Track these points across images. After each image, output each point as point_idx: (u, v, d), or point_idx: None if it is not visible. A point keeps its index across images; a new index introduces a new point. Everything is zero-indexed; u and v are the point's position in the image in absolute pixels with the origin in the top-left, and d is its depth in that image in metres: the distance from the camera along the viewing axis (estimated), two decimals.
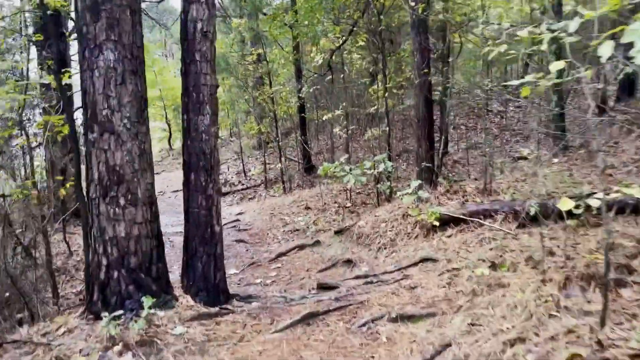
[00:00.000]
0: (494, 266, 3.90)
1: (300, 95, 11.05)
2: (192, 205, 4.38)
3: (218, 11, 16.69)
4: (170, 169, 18.53)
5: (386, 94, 7.60)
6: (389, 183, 7.32)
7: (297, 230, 8.36)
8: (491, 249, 4.28)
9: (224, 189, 13.51)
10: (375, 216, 6.37)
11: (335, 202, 9.30)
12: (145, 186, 4.01)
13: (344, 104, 9.51)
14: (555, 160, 6.67)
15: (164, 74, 21.76)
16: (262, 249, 7.78)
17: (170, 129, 22.25)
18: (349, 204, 9.02)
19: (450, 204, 5.56)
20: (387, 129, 7.86)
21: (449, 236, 4.93)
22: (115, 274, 3.83)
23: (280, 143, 11.70)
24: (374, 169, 7.36)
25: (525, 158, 9.89)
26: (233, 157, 16.14)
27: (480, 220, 4.84)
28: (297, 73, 12.55)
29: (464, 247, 4.55)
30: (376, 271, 4.93)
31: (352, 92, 11.45)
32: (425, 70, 6.86)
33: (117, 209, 3.81)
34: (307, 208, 9.24)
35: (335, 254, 6.19)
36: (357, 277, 4.74)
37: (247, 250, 7.78)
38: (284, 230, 8.50)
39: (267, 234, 8.52)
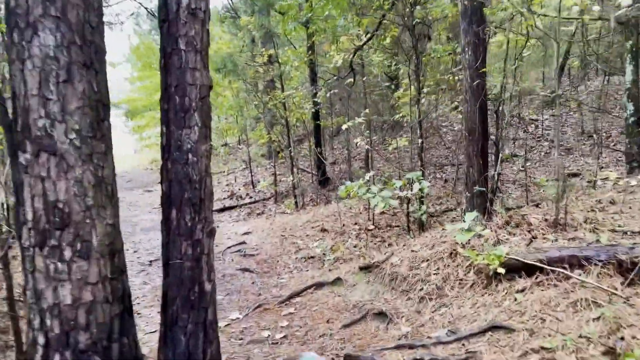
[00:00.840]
0: (612, 353, 2.65)
1: (315, 100, 9.84)
2: (172, 254, 3.17)
3: (227, 11, 15.59)
4: None
5: (422, 99, 6.37)
6: (424, 207, 6.07)
7: (312, 257, 7.14)
8: (596, 319, 3.01)
9: (229, 202, 12.33)
10: (412, 251, 5.12)
11: (356, 224, 8.06)
12: (104, 230, 2.82)
13: (366, 110, 8.28)
14: (634, 182, 5.38)
15: None
16: (272, 281, 6.57)
17: None
18: (371, 227, 7.78)
19: (514, 242, 4.31)
20: (420, 141, 6.62)
21: (522, 291, 3.67)
22: (57, 358, 2.63)
23: (292, 153, 10.48)
24: (407, 189, 6.11)
25: (576, 175, 8.60)
26: (241, 166, 14.95)
27: (566, 271, 3.58)
28: (311, 76, 11.35)
29: (549, 312, 3.28)
30: (423, 336, 3.68)
31: (371, 97, 10.21)
32: (483, 69, 5.60)
33: (60, 264, 2.62)
34: (323, 230, 8.01)
35: (362, 299, 4.94)
36: (399, 347, 3.48)
37: (253, 282, 6.56)
38: (296, 258, 7.27)
39: (278, 261, 7.30)
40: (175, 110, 3.02)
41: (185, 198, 3.08)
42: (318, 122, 11.72)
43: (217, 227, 10.77)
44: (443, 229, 5.36)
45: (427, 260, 4.74)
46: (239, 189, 13.09)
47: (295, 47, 11.03)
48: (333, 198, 10.49)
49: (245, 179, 13.83)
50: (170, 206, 3.12)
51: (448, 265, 4.49)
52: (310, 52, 10.13)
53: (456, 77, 7.89)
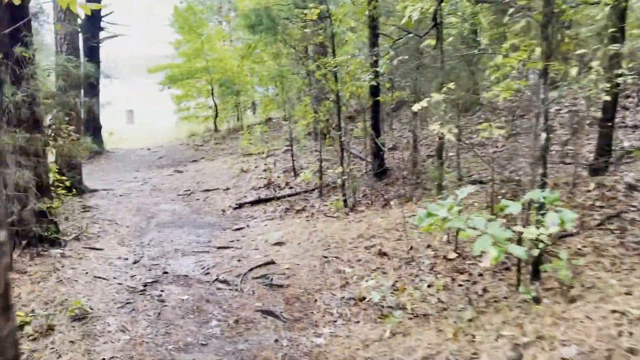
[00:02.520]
0: None
1: (377, 70, 7.41)
2: None
3: None
4: (212, 155, 15.46)
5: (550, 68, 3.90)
6: (563, 257, 3.65)
7: (366, 300, 4.88)
8: None
9: (265, 193, 10.20)
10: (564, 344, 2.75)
11: (429, 246, 5.72)
12: None
13: (450, 85, 5.83)
14: None
15: (212, 41, 18.59)
16: (304, 340, 4.38)
17: (216, 107, 19.18)
18: (453, 255, 5.42)
19: None
20: (545, 135, 4.16)
21: None
22: None
23: (343, 138, 8.16)
24: (526, 217, 3.71)
25: None
26: (283, 148, 12.74)
27: None
28: (371, 39, 8.89)
29: None
30: None
31: (451, 66, 7.64)
32: None
33: None
34: (382, 254, 5.72)
35: None
36: None
37: (276, 340, 4.39)
38: (342, 297, 5.04)
39: (315, 300, 5.09)
40: None
41: None
42: (377, 97, 9.30)
43: (247, 226, 8.68)
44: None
45: None
46: (278, 177, 10.93)
47: (353, 2, 8.62)
48: (394, 199, 8.13)
49: (286, 163, 11.64)
50: None
51: None
52: (372, 4, 7.67)
53: None
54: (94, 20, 15.33)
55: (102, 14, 15.70)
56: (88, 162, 15.41)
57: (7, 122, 5.62)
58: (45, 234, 6.16)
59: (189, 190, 11.32)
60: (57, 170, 10.02)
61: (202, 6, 21.08)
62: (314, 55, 10.52)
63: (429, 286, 4.94)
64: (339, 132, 8.16)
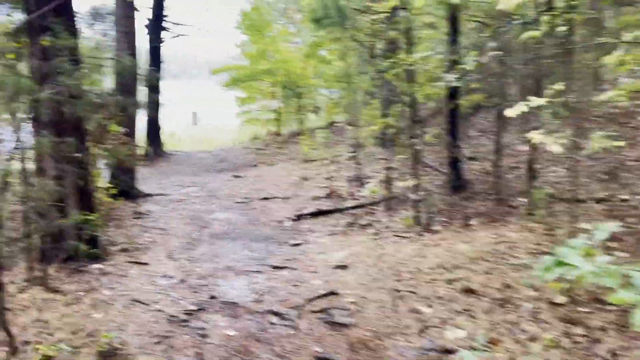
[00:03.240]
0: None
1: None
2: None
3: None
4: (272, 160, 14.80)
5: None
6: None
7: (451, 354, 3.86)
8: None
9: (327, 204, 9.32)
10: None
11: (531, 286, 4.59)
12: None
13: (558, 85, 4.73)
14: None
15: (277, 42, 18.01)
16: None
17: (279, 110, 18.56)
18: (562, 299, 4.28)
19: None
20: None
21: None
22: None
23: (417, 146, 7.15)
24: None
25: None
26: (347, 154, 11.80)
27: None
28: (451, 34, 7.80)
29: None
30: None
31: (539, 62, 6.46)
32: None
33: None
34: (468, 291, 4.66)
35: None
36: None
37: None
38: (421, 347, 4.04)
39: (387, 348, 4.12)
40: None
41: None
42: (455, 101, 8.20)
43: (306, 242, 7.83)
44: None
45: None
46: (341, 186, 10.02)
47: None
48: (475, 218, 7.02)
49: (350, 171, 10.70)
50: None
51: None
52: None
53: None
54: (156, 20, 15.12)
55: (164, 13, 15.48)
56: (146, 164, 15.19)
57: (36, 122, 5.05)
58: (85, 247, 5.56)
59: (247, 197, 10.64)
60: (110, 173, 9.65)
61: (268, 7, 20.59)
62: (383, 53, 9.54)
63: (532, 340, 3.85)
64: (413, 140, 7.14)
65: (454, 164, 8.53)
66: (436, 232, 6.75)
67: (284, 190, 10.77)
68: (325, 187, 10.10)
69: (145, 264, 6.52)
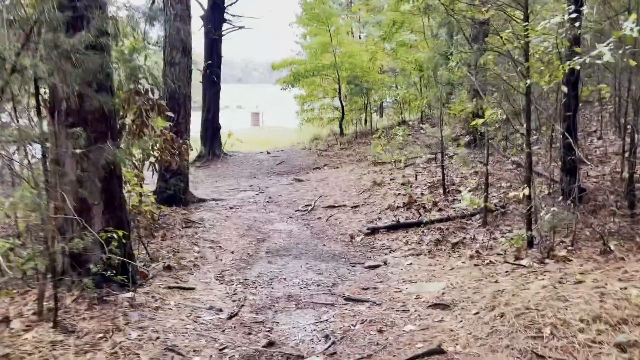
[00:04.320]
0: None
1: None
2: None
3: None
4: (337, 162, 13.40)
5: None
6: None
7: None
8: None
9: (405, 215, 7.79)
10: None
11: None
12: None
13: None
14: None
15: (341, 34, 16.63)
16: None
17: (343, 108, 17.15)
18: None
19: None
20: None
21: None
22: None
23: (531, 146, 5.53)
24: None
25: None
26: (425, 157, 10.19)
27: None
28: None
29: None
30: None
31: None
32: None
33: None
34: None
35: None
36: None
37: None
38: None
39: None
40: None
41: None
42: (576, 91, 6.47)
43: (385, 264, 6.35)
44: None
45: None
46: (422, 194, 8.45)
47: None
48: (612, 240, 5.29)
49: (430, 176, 9.11)
50: None
51: None
52: None
53: None
54: (217, 11, 14.09)
55: (225, 4, 14.44)
56: (202, 166, 14.21)
57: (52, 109, 3.86)
58: (111, 271, 4.35)
59: (310, 205, 9.28)
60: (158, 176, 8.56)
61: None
62: (477, 37, 7.90)
63: None
64: (527, 139, 5.50)
65: (571, 170, 6.77)
66: (563, 259, 5.08)
67: (353, 197, 9.33)
68: (402, 194, 8.57)
69: (190, 288, 5.27)
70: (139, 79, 5.15)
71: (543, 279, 4.49)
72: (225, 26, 14.92)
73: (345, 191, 9.79)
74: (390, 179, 9.53)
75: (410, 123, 14.97)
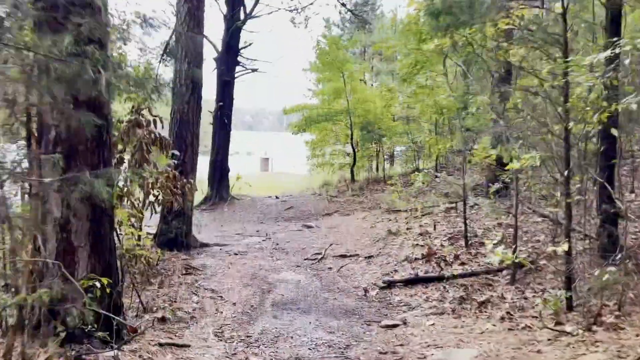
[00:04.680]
0: None
1: None
2: None
3: None
4: (348, 209, 12.85)
5: None
6: None
7: None
8: None
9: (423, 269, 7.15)
10: None
11: None
12: None
13: None
14: None
15: (355, 80, 16.44)
16: None
17: (355, 154, 16.75)
18: None
19: None
20: None
21: None
22: None
23: (571, 197, 4.98)
24: None
25: None
26: (443, 206, 9.62)
27: None
28: (612, 27, 5.65)
29: None
30: None
31: None
32: None
33: None
34: None
35: None
36: None
37: None
38: None
39: None
40: None
41: None
42: (614, 133, 5.95)
43: (404, 323, 5.68)
44: None
45: None
46: (442, 245, 7.83)
47: None
48: None
49: (451, 227, 8.51)
50: None
51: None
52: None
53: None
54: (230, 53, 13.95)
55: (239, 46, 14.32)
56: (209, 208, 13.71)
57: (39, 142, 3.39)
58: (93, 326, 3.75)
59: (320, 253, 8.67)
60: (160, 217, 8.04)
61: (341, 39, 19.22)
62: (499, 82, 7.49)
63: None
64: (567, 189, 4.96)
65: (609, 223, 6.18)
66: (615, 327, 4.42)
67: (367, 246, 8.71)
68: (420, 245, 7.96)
69: (184, 346, 4.64)
70: (141, 109, 4.71)
71: (596, 351, 3.83)
72: (238, 69, 14.77)
73: (357, 240, 9.18)
74: (407, 229, 8.93)
75: (425, 171, 14.49)
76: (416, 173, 9.37)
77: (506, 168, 5.51)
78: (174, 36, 8.44)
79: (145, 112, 4.86)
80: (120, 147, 4.73)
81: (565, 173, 5.02)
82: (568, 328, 4.52)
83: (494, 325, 5.12)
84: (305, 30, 17.11)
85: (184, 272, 7.35)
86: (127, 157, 5.11)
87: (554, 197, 5.82)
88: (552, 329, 4.63)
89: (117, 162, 4.77)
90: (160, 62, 15.37)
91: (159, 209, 6.39)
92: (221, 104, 14.17)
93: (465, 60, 7.01)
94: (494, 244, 6.94)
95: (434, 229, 8.56)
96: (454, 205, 8.98)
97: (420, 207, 9.30)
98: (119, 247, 5.34)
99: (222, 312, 5.89)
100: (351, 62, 16.59)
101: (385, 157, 19.18)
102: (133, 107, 4.86)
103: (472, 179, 10.28)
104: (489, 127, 8.23)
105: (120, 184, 4.89)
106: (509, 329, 4.88)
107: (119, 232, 5.43)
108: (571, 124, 4.89)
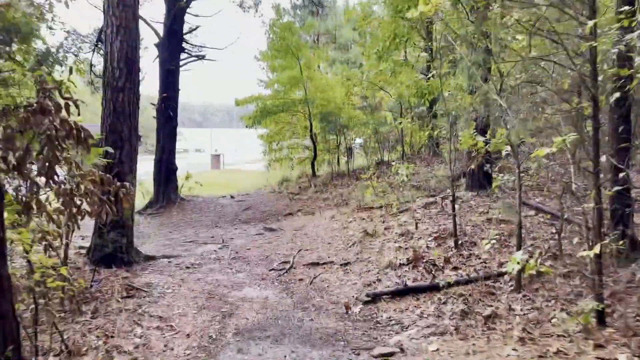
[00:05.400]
0: None
1: None
2: None
3: None
4: (312, 207, 11.73)
5: None
6: None
7: None
8: None
9: (411, 277, 6.13)
10: None
11: None
12: None
13: None
14: None
15: (311, 67, 15.30)
16: None
17: (315, 147, 15.64)
18: None
19: None
20: None
21: None
22: None
23: (601, 187, 4.05)
24: None
25: None
26: (422, 201, 8.63)
27: None
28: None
29: None
30: None
31: None
32: None
33: None
34: None
35: None
36: None
37: None
38: None
39: None
40: None
41: None
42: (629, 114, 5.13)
43: (401, 350, 4.60)
44: None
45: None
46: (427, 247, 6.84)
47: None
48: None
49: (435, 225, 7.53)
50: None
51: None
52: None
53: None
54: (173, 39, 12.48)
55: (184, 31, 12.86)
56: (155, 213, 12.24)
57: None
58: None
59: (287, 262, 7.52)
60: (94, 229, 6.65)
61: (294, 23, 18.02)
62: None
63: None
64: (596, 179, 4.03)
65: (624, 218, 5.35)
66: None
67: (341, 251, 7.62)
68: (403, 248, 6.94)
69: None
70: (48, 90, 3.41)
71: None
72: (183, 56, 13.31)
73: (329, 243, 8.07)
74: (385, 228, 7.90)
75: (391, 163, 13.55)
76: (396, 165, 8.32)
77: (531, 155, 4.49)
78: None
79: (56, 94, 3.55)
80: (19, 143, 3.42)
81: (593, 157, 4.08)
82: (621, 357, 3.57)
83: (514, 349, 4.14)
84: (256, 16, 15.87)
85: (124, 294, 6.03)
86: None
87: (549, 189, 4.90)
88: (595, 357, 3.68)
89: (16, 164, 3.45)
90: (94, 50, 13.54)
91: (84, 221, 5.05)
92: (165, 95, 12.69)
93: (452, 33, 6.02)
94: (486, 244, 6.04)
95: (416, 227, 7.56)
96: (434, 199, 8.02)
97: (397, 203, 8.29)
98: (31, 277, 4.03)
99: (172, 349, 4.65)
100: (307, 47, 15.41)
101: (342, 150, 18.19)
102: (38, 89, 3.55)
103: (455, 169, 9.39)
104: (468, 111, 7.30)
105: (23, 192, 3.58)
106: (540, 357, 3.90)
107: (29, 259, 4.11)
108: (601, 97, 3.95)
